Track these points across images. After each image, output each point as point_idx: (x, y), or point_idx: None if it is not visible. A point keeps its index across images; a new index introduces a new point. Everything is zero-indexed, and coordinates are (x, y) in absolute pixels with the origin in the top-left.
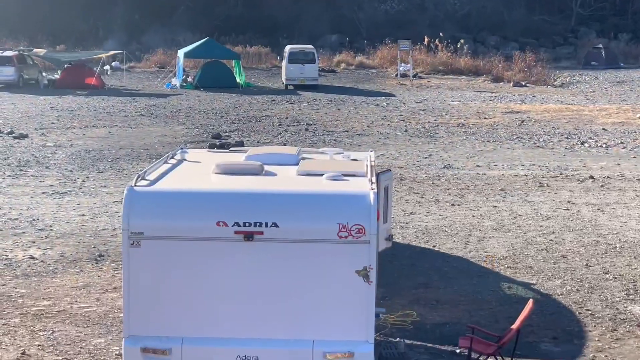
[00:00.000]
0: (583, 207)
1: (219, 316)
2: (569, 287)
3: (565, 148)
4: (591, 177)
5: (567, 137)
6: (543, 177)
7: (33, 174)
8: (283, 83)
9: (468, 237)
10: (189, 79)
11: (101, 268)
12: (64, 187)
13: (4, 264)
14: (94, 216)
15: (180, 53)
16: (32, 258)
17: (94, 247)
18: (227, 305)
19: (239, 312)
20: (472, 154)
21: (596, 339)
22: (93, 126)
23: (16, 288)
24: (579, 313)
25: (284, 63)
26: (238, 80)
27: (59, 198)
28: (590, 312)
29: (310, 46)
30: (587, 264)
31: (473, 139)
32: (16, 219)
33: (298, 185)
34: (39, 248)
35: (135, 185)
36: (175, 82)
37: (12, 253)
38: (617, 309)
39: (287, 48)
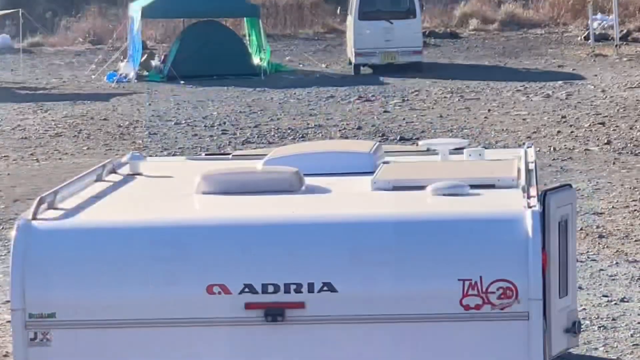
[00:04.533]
0: None
1: None
2: None
3: None
4: None
5: None
6: None
7: None
8: (350, 62)
9: None
10: (155, 63)
11: None
12: None
13: None
14: None
15: (136, 9)
16: None
17: None
18: None
19: None
20: None
21: None
22: None
23: None
24: None
25: (350, 21)
26: (257, 60)
27: None
28: None
29: None
30: None
31: None
32: None
33: (374, 208)
34: None
35: (34, 219)
36: (127, 69)
37: None
38: None
39: None
